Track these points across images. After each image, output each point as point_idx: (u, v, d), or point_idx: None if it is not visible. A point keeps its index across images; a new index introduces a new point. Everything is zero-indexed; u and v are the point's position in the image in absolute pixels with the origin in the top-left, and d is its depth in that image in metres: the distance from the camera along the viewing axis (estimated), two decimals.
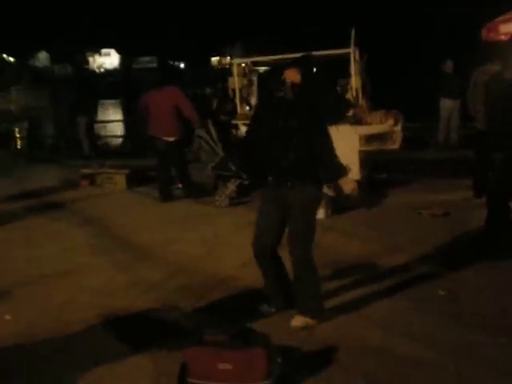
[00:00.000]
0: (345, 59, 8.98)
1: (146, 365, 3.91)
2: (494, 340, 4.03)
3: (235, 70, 8.86)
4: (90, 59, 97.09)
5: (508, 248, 5.79)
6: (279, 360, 3.48)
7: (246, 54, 9.56)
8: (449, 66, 12.30)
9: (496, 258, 5.62)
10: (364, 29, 9.39)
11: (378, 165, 9.51)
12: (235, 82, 8.84)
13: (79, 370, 3.91)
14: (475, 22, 10.14)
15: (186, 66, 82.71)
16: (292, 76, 4.23)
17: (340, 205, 7.48)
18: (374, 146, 8.27)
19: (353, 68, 8.49)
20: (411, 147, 11.07)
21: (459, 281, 5.16)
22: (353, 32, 8.54)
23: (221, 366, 3.40)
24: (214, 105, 12.27)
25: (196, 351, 3.46)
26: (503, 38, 8.46)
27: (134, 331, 4.48)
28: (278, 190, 4.31)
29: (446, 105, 12.44)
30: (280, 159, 4.24)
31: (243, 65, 9.16)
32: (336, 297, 4.85)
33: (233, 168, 8.39)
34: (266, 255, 4.41)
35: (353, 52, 8.41)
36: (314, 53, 8.92)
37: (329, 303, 4.64)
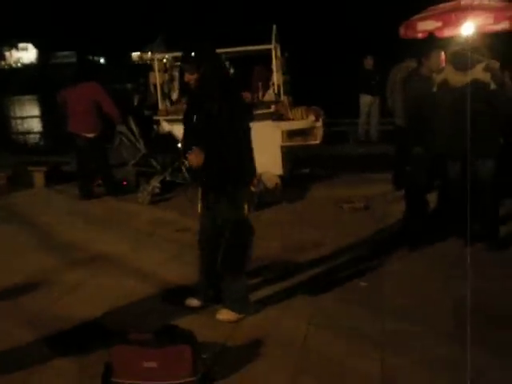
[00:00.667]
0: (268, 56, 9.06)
1: (69, 366, 3.82)
2: (414, 329, 4.14)
3: (156, 65, 8.75)
4: (7, 54, 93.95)
5: (425, 239, 5.99)
6: (204, 356, 3.46)
7: (167, 49, 9.40)
8: (369, 62, 12.54)
9: (414, 250, 5.80)
10: (287, 27, 9.46)
11: (300, 160, 9.62)
12: (157, 76, 8.73)
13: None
14: (395, 19, 10.38)
15: (106, 61, 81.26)
16: (188, 77, 4.29)
17: (262, 200, 7.53)
18: (296, 142, 8.35)
19: (274, 64, 8.53)
20: (332, 142, 11.25)
21: (380, 272, 5.28)
22: (274, 28, 8.59)
23: (146, 364, 3.36)
24: (136, 100, 12.11)
25: (120, 350, 3.40)
26: (420, 35, 8.72)
27: (55, 333, 4.34)
28: None
29: (365, 101, 12.71)
30: None
31: (164, 60, 9.05)
32: (260, 291, 4.87)
33: (155, 164, 8.32)
34: (209, 239, 4.48)
35: (274, 48, 8.45)
36: (235, 49, 9.04)
37: (253, 297, 4.66)
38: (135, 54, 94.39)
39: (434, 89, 5.83)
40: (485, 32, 7.75)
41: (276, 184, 8.00)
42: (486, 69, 5.63)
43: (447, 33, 8.65)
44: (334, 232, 6.48)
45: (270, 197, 7.68)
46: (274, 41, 8.47)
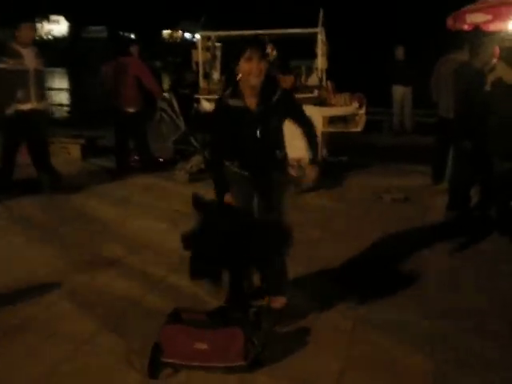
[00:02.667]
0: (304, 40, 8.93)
1: (116, 343, 3.80)
2: (463, 326, 4.07)
3: (200, 44, 8.68)
4: (38, 25, 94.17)
5: (468, 234, 5.91)
6: (255, 340, 3.42)
7: (212, 29, 9.31)
8: (400, 52, 12.37)
9: (458, 244, 5.71)
10: (330, 11, 9.32)
11: (337, 147, 9.51)
12: (199, 55, 8.65)
13: (47, 344, 3.78)
14: (432, 10, 10.20)
15: (136, 37, 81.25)
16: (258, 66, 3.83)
17: (300, 185, 7.45)
18: (337, 128, 8.24)
19: (319, 49, 8.41)
20: (367, 131, 11.13)
21: (425, 266, 5.19)
22: (321, 13, 8.45)
23: (197, 345, 3.32)
24: (167, 79, 12.07)
25: (172, 330, 3.38)
26: (466, 27, 8.54)
27: (102, 310, 4.33)
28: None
29: (397, 91, 12.57)
30: None
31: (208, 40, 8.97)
32: (301, 280, 4.82)
33: (194, 143, 8.25)
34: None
35: (320, 32, 8.32)
36: (280, 31, 8.93)
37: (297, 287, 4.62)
38: (166, 32, 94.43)
39: (488, 87, 5.70)
40: None
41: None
42: None
43: (494, 27, 8.47)
44: (374, 222, 6.39)
45: (308, 183, 7.59)
46: (320, 25, 8.33)
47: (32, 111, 7.02)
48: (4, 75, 6.80)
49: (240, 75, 3.81)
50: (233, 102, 3.87)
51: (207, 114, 7.81)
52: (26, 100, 6.95)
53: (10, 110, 6.89)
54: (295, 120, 4.11)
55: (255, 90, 3.85)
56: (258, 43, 3.86)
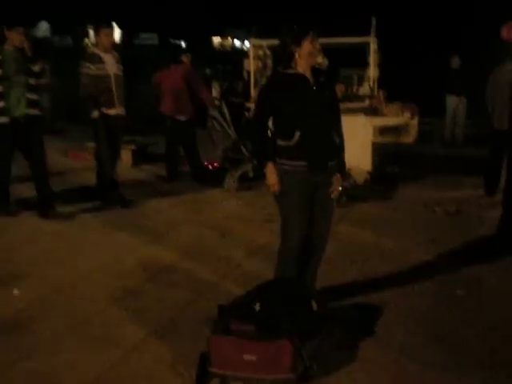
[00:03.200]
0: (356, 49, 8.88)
1: (163, 351, 3.80)
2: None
3: (252, 52, 8.70)
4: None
5: None
6: (304, 353, 3.37)
7: (263, 37, 9.32)
8: (455, 61, 12.22)
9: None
10: (383, 20, 9.22)
11: (388, 158, 9.41)
12: (251, 63, 8.68)
13: (92, 352, 3.82)
14: (487, 19, 10.03)
15: (186, 44, 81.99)
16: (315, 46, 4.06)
17: (351, 195, 7.39)
18: (388, 139, 8.17)
19: (372, 58, 8.35)
20: (419, 141, 11.01)
21: (477, 280, 5.07)
22: (373, 21, 8.39)
23: (245, 356, 3.29)
24: (217, 87, 12.11)
25: (221, 340, 3.35)
26: None
27: (150, 314, 4.36)
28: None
29: (451, 101, 12.37)
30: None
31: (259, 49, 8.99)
32: (349, 292, 4.77)
33: (244, 151, 8.26)
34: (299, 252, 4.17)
35: (372, 42, 8.26)
36: (331, 40, 8.88)
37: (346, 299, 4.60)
38: (216, 40, 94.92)
39: None
40: None
41: (365, 180, 7.85)
42: None
43: None
44: (428, 235, 6.27)
45: (359, 192, 7.54)
46: (372, 34, 8.27)
47: (116, 116, 7.07)
48: (88, 80, 6.86)
49: (297, 56, 3.95)
50: (290, 71, 4.03)
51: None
52: (110, 105, 6.99)
53: (95, 114, 6.89)
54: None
55: (309, 71, 4.01)
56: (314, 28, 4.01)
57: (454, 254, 5.72)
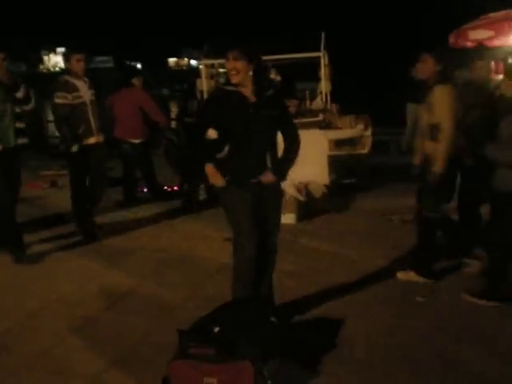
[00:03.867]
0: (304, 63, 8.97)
1: (126, 380, 3.75)
2: (471, 347, 4.00)
3: (204, 72, 8.73)
4: (45, 58, 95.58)
5: (479, 253, 5.84)
6: (266, 373, 3.35)
7: (215, 57, 9.36)
8: (415, 71, 12.35)
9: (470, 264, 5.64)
10: (334, 34, 9.35)
11: (344, 170, 9.48)
12: (203, 83, 8.70)
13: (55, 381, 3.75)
14: (441, 28, 10.23)
15: (142, 66, 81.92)
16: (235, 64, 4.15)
17: (310, 209, 7.43)
18: (343, 151, 8.23)
19: (323, 72, 8.44)
20: (374, 152, 11.08)
21: (436, 287, 5.14)
22: (323, 36, 8.50)
23: (206, 379, 3.26)
24: (174, 107, 12.10)
25: (181, 364, 3.32)
26: (469, 44, 8.56)
27: (111, 343, 4.30)
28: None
29: (412, 109, 12.50)
30: None
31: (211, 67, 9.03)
32: (315, 303, 4.79)
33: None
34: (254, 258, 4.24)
35: (323, 56, 8.36)
36: (283, 56, 8.98)
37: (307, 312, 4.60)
38: (172, 60, 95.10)
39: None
40: None
41: (323, 193, 7.88)
42: None
43: (498, 42, 8.49)
44: (385, 244, 6.34)
45: (317, 206, 7.57)
46: (322, 48, 8.37)
47: (96, 144, 6.82)
48: (65, 111, 6.56)
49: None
50: (229, 88, 4.13)
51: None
52: (90, 134, 6.73)
53: (75, 148, 6.59)
54: (283, 128, 4.27)
55: (244, 87, 4.10)
56: (238, 46, 4.09)
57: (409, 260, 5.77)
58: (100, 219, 7.57)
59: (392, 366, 3.81)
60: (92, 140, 6.76)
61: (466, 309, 4.67)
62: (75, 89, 6.60)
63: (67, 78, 6.66)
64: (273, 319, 3.90)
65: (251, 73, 4.08)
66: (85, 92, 6.70)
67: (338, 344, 4.13)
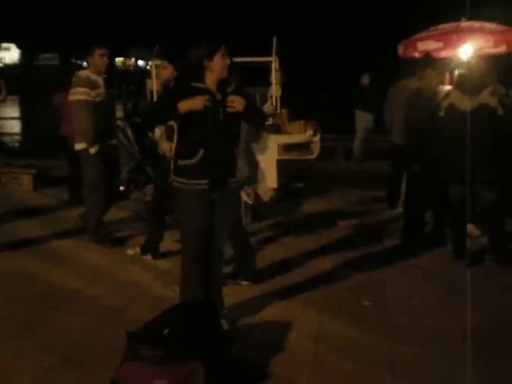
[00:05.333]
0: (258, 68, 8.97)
1: (71, 382, 3.69)
2: (421, 350, 4.08)
3: (154, 72, 8.63)
4: None
5: (423, 258, 5.99)
6: (216, 374, 3.35)
7: (166, 57, 9.27)
8: (365, 79, 12.59)
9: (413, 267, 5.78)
10: (286, 40, 9.39)
11: (292, 174, 9.56)
12: (154, 83, 8.60)
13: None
14: (392, 37, 10.41)
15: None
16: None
17: (258, 213, 7.45)
18: (292, 156, 8.27)
19: (274, 77, 8.48)
20: (322, 158, 11.21)
21: (381, 290, 5.24)
22: (275, 40, 8.54)
23: (156, 382, 3.23)
24: (121, 107, 11.94)
25: (130, 366, 3.28)
26: (417, 55, 8.73)
27: (57, 344, 4.22)
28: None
29: (361, 117, 12.72)
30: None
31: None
32: (261, 306, 4.82)
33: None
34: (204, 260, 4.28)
35: (274, 61, 8.39)
36: (234, 59, 8.95)
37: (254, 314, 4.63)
38: (119, 60, 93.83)
39: (441, 113, 5.80)
40: (487, 55, 7.80)
41: (270, 197, 7.90)
42: (493, 93, 5.62)
43: (445, 54, 8.69)
44: (330, 248, 6.42)
45: (265, 210, 7.59)
46: (274, 53, 8.41)
47: (113, 146, 6.49)
48: (87, 109, 6.18)
49: (208, 70, 4.04)
50: (195, 84, 4.08)
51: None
52: (109, 135, 6.40)
53: (94, 149, 6.28)
54: (249, 112, 4.19)
55: (215, 86, 4.09)
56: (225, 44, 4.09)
57: (359, 265, 5.88)
58: (46, 220, 7.44)
59: (342, 367, 3.85)
60: (111, 142, 6.45)
61: None
62: (97, 85, 6.28)
63: (88, 73, 6.31)
64: (222, 321, 3.91)
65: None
66: (105, 89, 6.38)
67: (286, 346, 4.15)
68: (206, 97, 3.99)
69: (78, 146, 6.37)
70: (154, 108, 4.58)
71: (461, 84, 5.77)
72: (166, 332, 3.39)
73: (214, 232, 4.29)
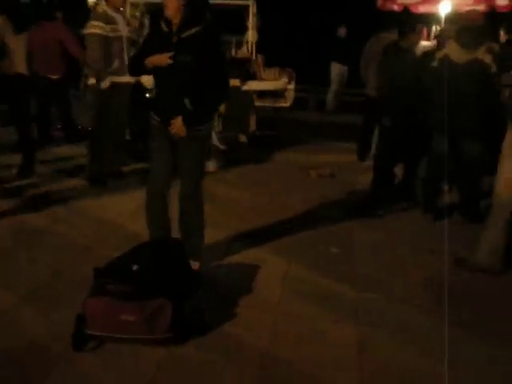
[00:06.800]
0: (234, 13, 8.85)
1: (36, 317, 3.68)
2: (385, 298, 4.16)
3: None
4: None
5: (391, 211, 6.07)
6: (183, 312, 3.37)
7: None
8: (342, 31, 12.49)
9: (380, 220, 5.86)
10: None
11: (265, 122, 9.52)
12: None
13: None
14: None
15: (58, 3, 78.45)
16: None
17: (229, 159, 7.44)
18: (266, 103, 8.23)
19: (251, 21, 8.36)
20: (295, 108, 11.20)
21: (349, 239, 5.30)
22: None
23: (123, 316, 3.24)
24: None
25: (97, 301, 3.28)
26: (396, 8, 8.69)
27: (22, 279, 4.20)
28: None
29: (337, 69, 12.65)
30: None
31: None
32: (231, 252, 4.84)
33: None
34: (161, 194, 4.31)
35: (252, 5, 8.26)
36: (211, 1, 8.76)
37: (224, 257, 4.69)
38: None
39: (435, 63, 5.79)
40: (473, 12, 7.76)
41: (242, 143, 7.90)
42: (489, 51, 5.62)
43: (424, 9, 8.67)
44: (301, 197, 6.44)
45: (236, 155, 7.59)
46: None
47: (126, 84, 6.34)
48: (99, 43, 6.09)
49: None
50: (163, 26, 4.06)
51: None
52: (122, 72, 6.15)
53: (106, 84, 6.15)
54: (210, 73, 4.00)
55: (177, 23, 4.00)
56: None
57: (328, 214, 5.93)
58: (15, 157, 7.31)
59: (306, 310, 3.91)
60: (124, 79, 6.25)
61: None
62: (113, 21, 6.19)
63: (105, 8, 6.22)
64: (192, 262, 3.92)
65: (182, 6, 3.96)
66: (122, 26, 6.28)
67: (254, 288, 4.19)
68: (169, 54, 3.96)
69: (90, 81, 6.33)
70: (131, 61, 4.52)
71: (459, 37, 5.74)
72: (134, 268, 3.39)
73: (179, 175, 4.30)
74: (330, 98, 12.95)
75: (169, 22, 4.02)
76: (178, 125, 4.04)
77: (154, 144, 4.27)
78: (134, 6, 8.67)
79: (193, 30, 3.97)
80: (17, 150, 6.82)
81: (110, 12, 6.24)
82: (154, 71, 4.12)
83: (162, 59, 3.97)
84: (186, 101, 4.01)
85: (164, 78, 4.09)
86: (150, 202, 4.34)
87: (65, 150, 8.09)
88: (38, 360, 3.23)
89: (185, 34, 3.97)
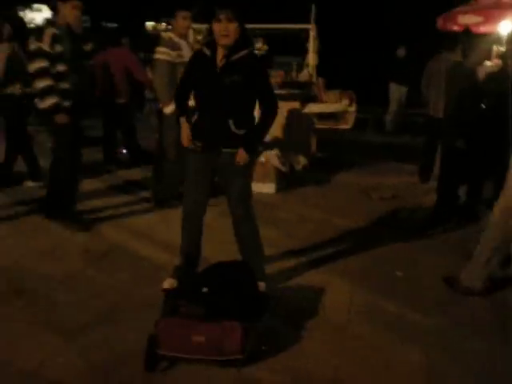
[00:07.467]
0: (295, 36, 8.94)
1: (111, 335, 3.77)
2: (453, 323, 4.11)
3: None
4: (21, 14, 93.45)
5: (457, 233, 5.99)
6: (253, 334, 3.41)
7: (205, 21, 9.22)
8: (401, 51, 12.47)
9: (447, 242, 5.78)
10: (324, 8, 9.30)
11: (326, 144, 9.55)
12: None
13: (32, 338, 3.76)
14: (429, 11, 10.25)
15: (118, 28, 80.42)
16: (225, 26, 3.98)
17: (290, 181, 7.49)
18: (326, 125, 8.27)
19: (311, 45, 8.43)
20: (354, 128, 11.21)
21: (413, 262, 5.26)
22: (313, 8, 8.47)
23: (194, 338, 3.31)
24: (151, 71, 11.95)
25: (168, 322, 3.36)
26: (456, 28, 8.62)
27: (93, 299, 4.31)
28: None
29: (396, 90, 12.62)
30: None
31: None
32: (295, 275, 4.84)
33: None
34: (197, 217, 4.34)
35: (312, 29, 8.34)
36: (271, 26, 8.91)
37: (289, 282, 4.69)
38: (149, 24, 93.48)
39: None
40: None
41: (303, 165, 7.94)
42: None
43: (485, 29, 8.56)
44: (363, 220, 6.41)
45: (297, 178, 7.63)
46: (312, 21, 8.35)
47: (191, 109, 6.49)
48: (166, 69, 6.24)
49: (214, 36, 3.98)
50: (206, 51, 4.06)
51: None
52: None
53: (169, 109, 6.20)
54: (259, 94, 4.11)
55: (222, 52, 4.00)
56: (228, 6, 3.94)
57: (391, 236, 5.89)
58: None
59: (374, 334, 3.90)
60: (189, 103, 6.47)
61: None
62: (178, 47, 6.37)
63: (171, 35, 6.43)
64: (259, 284, 3.97)
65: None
66: (187, 52, 6.35)
67: (320, 311, 4.20)
68: (186, 143, 4.14)
69: (160, 107, 6.49)
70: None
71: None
72: (204, 290, 3.46)
73: (229, 199, 4.27)
74: (388, 118, 12.91)
75: (213, 46, 4.02)
76: (243, 157, 4.07)
77: (190, 167, 4.25)
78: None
79: (241, 53, 4.01)
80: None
81: (176, 38, 6.40)
82: (198, 94, 4.16)
83: (184, 139, 4.15)
84: (230, 122, 4.03)
85: (209, 101, 4.08)
86: (186, 226, 4.36)
87: (130, 172, 8.28)
88: (112, 381, 3.31)
89: (234, 57, 3.99)
